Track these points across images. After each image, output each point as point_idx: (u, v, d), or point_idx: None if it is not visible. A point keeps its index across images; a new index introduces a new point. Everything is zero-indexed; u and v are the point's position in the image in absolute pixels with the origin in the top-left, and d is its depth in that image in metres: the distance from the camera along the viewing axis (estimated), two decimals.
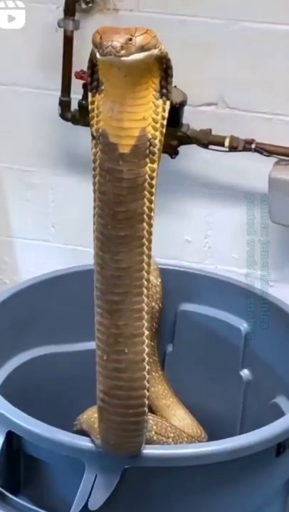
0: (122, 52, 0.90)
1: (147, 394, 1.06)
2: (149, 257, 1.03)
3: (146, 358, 1.05)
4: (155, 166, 1.01)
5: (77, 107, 1.83)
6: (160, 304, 1.58)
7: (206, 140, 1.79)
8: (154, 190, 1.02)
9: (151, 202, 1.02)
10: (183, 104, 1.79)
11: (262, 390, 1.58)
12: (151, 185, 1.01)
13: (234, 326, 1.60)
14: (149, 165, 1.01)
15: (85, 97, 1.80)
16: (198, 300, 1.63)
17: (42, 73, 1.89)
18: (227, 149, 1.77)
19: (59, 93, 1.84)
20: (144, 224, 1.02)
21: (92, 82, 1.01)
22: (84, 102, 1.79)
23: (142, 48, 0.92)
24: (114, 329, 1.03)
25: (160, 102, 1.00)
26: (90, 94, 1.02)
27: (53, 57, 1.84)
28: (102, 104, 1.00)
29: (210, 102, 1.84)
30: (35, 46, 1.88)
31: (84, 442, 1.14)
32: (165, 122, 1.02)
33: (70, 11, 1.77)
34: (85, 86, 1.79)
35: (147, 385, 1.06)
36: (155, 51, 0.95)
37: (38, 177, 2.02)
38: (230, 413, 1.64)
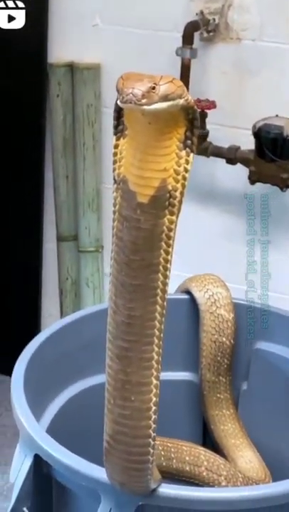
0: (144, 100, 0.88)
1: (152, 443, 1.04)
2: (163, 307, 1.01)
3: (154, 408, 1.03)
4: (174, 218, 0.99)
5: None
6: (231, 340, 1.52)
7: None
8: (171, 241, 0.99)
9: (168, 253, 0.99)
10: None
11: None
12: (168, 237, 0.99)
13: None
14: (168, 217, 0.98)
15: (201, 126, 1.80)
16: (274, 339, 1.56)
17: None
18: None
19: None
20: (160, 275, 0.99)
21: (118, 125, 0.99)
22: (200, 131, 1.80)
23: (166, 98, 0.90)
24: (122, 375, 1.02)
25: (183, 153, 0.97)
26: (114, 137, 1.00)
27: None
28: (125, 150, 0.98)
29: None
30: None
31: (101, 474, 1.11)
32: (188, 175, 0.98)
33: (187, 39, 1.78)
34: (201, 115, 1.79)
35: (153, 434, 1.04)
36: (180, 101, 0.93)
37: None
38: None
